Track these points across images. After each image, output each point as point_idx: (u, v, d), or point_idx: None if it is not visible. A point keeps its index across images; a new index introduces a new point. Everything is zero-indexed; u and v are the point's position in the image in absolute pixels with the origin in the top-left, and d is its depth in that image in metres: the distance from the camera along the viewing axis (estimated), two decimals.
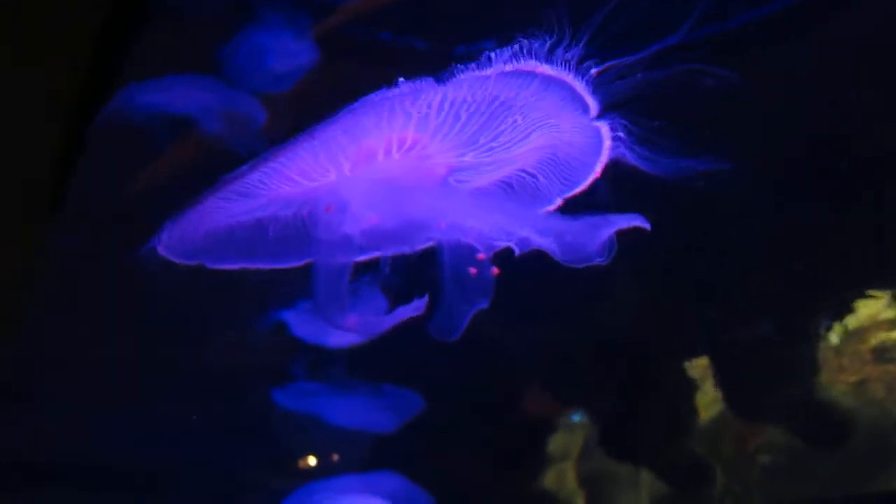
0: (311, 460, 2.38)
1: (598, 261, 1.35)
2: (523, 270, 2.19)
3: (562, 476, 2.65)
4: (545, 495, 2.66)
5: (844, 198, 2.38)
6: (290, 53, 2.12)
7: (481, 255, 1.34)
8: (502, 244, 1.36)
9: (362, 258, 1.38)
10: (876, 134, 2.29)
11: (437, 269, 1.37)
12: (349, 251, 1.31)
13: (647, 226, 1.36)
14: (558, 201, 1.41)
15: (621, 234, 2.35)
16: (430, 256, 1.42)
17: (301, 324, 2.38)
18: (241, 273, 1.87)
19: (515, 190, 1.37)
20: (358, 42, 2.18)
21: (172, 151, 2.20)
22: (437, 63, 2.15)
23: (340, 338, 2.40)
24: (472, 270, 1.35)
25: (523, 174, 1.37)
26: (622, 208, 1.53)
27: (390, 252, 1.35)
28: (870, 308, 2.54)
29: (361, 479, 2.35)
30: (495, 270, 1.37)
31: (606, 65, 1.40)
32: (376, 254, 1.36)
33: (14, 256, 1.90)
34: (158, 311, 2.31)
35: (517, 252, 1.36)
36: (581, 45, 1.38)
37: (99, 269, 2.32)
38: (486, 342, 2.48)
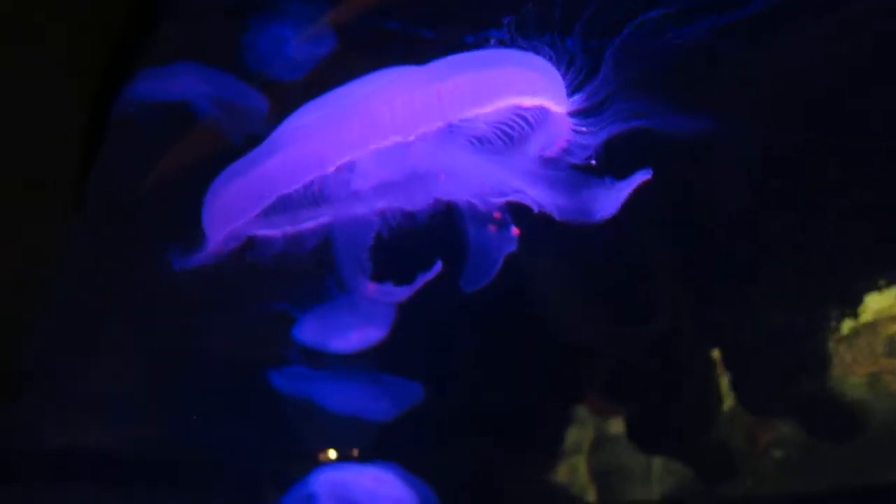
0: (332, 453, 2.38)
1: (597, 219, 1.36)
2: (532, 254, 2.19)
3: (573, 470, 2.64)
4: (557, 489, 2.65)
5: (854, 190, 2.38)
6: (309, 42, 2.13)
7: (497, 214, 1.36)
8: (502, 199, 1.37)
9: (378, 223, 1.38)
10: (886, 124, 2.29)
11: (459, 230, 1.39)
12: (362, 209, 1.32)
13: (649, 175, 1.36)
14: (546, 155, 1.41)
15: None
16: (444, 224, 1.43)
17: (305, 329, 2.39)
18: (250, 264, 1.87)
19: (512, 138, 1.38)
20: (367, 32, 2.20)
21: (182, 144, 2.21)
22: (446, 52, 2.16)
23: (344, 343, 2.41)
24: (492, 228, 1.37)
25: (519, 121, 1.38)
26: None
27: (402, 207, 1.36)
28: (881, 301, 2.54)
29: (363, 468, 2.35)
30: (515, 230, 1.38)
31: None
32: (388, 209, 1.36)
33: (36, 252, 1.90)
34: (166, 302, 2.31)
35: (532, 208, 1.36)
36: (579, 33, 1.40)
37: (108, 265, 2.32)
38: (497, 332, 2.49)
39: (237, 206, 1.37)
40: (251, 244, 1.47)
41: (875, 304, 2.54)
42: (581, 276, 2.54)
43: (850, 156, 2.33)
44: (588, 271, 2.52)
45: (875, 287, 2.52)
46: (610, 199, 1.36)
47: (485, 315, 2.45)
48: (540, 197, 1.34)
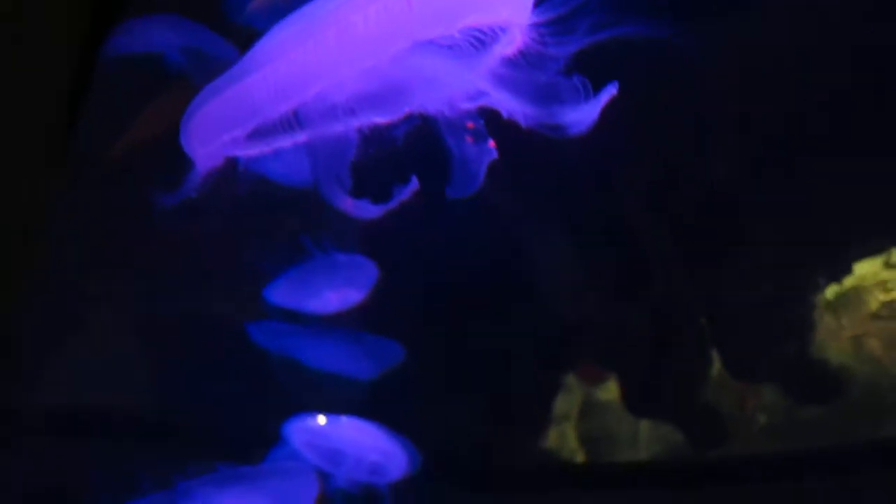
0: (321, 419, 2.37)
1: (570, 133, 1.35)
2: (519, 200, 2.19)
3: (562, 436, 2.64)
4: (547, 453, 2.65)
5: (841, 155, 2.38)
6: None
7: (471, 124, 1.36)
8: (472, 104, 1.36)
9: (356, 139, 1.38)
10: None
11: (438, 141, 1.39)
12: (340, 120, 1.32)
13: (615, 90, 1.35)
14: (515, 59, 1.40)
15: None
16: (420, 143, 1.43)
17: (283, 289, 2.38)
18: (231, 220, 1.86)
19: (483, 42, 1.37)
20: None
21: (159, 99, 2.20)
22: None
23: (322, 304, 2.41)
24: (469, 139, 1.37)
25: (490, 25, 1.37)
26: None
27: (378, 118, 1.36)
28: (868, 267, 2.54)
29: (346, 420, 2.34)
30: (492, 143, 1.38)
31: None
32: (364, 124, 1.36)
33: (27, 206, 1.90)
34: (150, 262, 2.31)
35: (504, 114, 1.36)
36: None
37: (90, 225, 2.32)
38: (484, 301, 2.49)
39: (217, 124, 1.37)
40: (231, 170, 1.46)
41: (862, 270, 2.55)
42: (569, 242, 2.55)
43: (844, 113, 2.32)
44: (576, 237, 2.52)
45: (863, 254, 2.53)
46: (581, 114, 1.35)
47: (471, 281, 2.45)
48: (507, 103, 1.34)
